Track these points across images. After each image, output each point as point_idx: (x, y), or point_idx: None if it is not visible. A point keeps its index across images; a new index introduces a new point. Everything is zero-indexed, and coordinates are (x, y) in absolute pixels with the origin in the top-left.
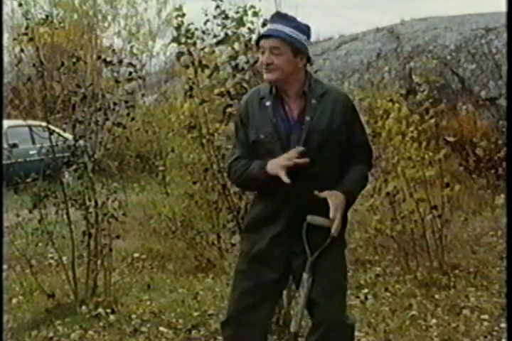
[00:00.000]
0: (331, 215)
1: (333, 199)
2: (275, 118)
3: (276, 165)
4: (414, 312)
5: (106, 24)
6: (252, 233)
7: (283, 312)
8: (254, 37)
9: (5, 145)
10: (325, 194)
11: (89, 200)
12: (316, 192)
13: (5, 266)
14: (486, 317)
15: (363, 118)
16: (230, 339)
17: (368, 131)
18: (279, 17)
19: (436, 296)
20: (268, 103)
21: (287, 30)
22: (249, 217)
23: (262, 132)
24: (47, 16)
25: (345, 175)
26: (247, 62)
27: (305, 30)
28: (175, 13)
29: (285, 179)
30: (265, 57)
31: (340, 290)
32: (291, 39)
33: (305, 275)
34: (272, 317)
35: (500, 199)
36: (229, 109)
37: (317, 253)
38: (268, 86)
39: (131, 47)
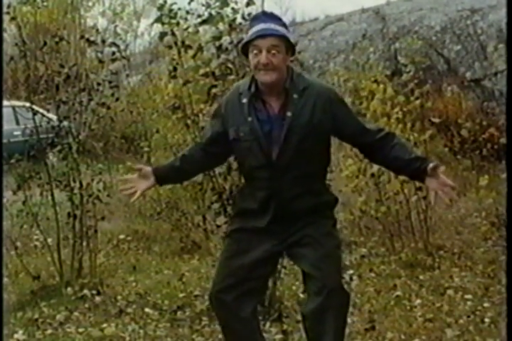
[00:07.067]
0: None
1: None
2: (250, 116)
3: None
4: (398, 293)
5: (90, 3)
6: (241, 218)
7: (268, 293)
8: (239, 17)
9: None
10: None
11: (74, 181)
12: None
13: None
14: (469, 297)
15: (348, 100)
16: (226, 305)
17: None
18: (268, 16)
19: (421, 277)
20: (244, 100)
21: (280, 28)
22: (238, 207)
23: (240, 130)
24: None
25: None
26: (231, 42)
27: (287, 26)
28: None
29: None
30: (263, 57)
31: (335, 258)
32: (286, 36)
33: None
34: (266, 290)
35: (485, 180)
36: (213, 90)
37: None
38: (248, 81)
39: (115, 27)
